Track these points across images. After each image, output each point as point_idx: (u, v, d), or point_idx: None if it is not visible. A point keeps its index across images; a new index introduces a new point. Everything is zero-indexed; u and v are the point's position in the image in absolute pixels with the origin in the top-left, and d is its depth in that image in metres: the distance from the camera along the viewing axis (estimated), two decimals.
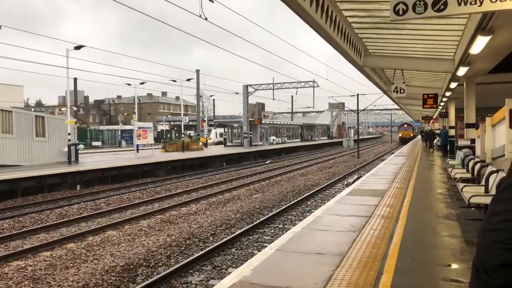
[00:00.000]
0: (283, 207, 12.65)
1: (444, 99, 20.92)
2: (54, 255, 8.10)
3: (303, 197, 14.54)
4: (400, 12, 4.99)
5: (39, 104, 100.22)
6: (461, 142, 14.73)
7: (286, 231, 9.81)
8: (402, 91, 13.88)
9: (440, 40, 11.28)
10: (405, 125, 69.95)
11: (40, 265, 7.50)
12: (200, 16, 11.18)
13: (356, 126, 42.74)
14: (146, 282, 6.51)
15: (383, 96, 28.35)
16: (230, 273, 7.05)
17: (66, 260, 7.78)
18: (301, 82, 38.06)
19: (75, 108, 31.73)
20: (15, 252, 8.27)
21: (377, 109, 77.47)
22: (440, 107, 26.08)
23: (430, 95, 18.21)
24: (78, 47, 21.79)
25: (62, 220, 11.31)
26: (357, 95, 35.71)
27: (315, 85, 37.05)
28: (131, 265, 7.38)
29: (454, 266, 4.73)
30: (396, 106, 48.60)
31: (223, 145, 45.64)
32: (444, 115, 26.19)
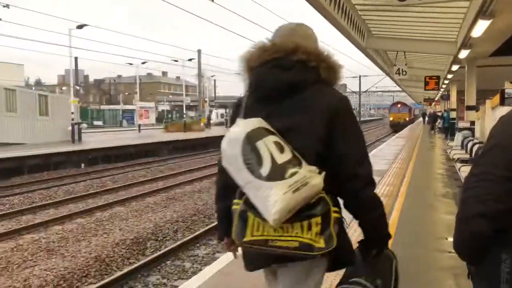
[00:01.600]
0: None
1: (446, 82, 21.05)
2: (65, 229, 8.42)
3: None
4: None
5: (38, 83, 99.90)
6: (461, 124, 14.96)
7: None
8: (404, 73, 14.03)
9: (443, 22, 11.37)
10: (399, 105, 48.91)
11: (52, 237, 7.82)
12: None
13: (358, 108, 42.83)
14: (155, 255, 6.84)
15: (385, 77, 28.42)
16: None
17: (77, 233, 8.10)
18: None
19: (78, 88, 31.87)
20: (27, 226, 8.58)
21: (379, 91, 76.91)
22: (442, 89, 26.20)
23: (432, 77, 18.33)
24: (80, 26, 21.79)
25: (69, 197, 11.61)
26: (359, 76, 35.75)
27: None
28: (140, 239, 7.70)
29: (450, 239, 5.00)
30: (398, 88, 48.43)
31: (224, 126, 45.81)
32: (446, 97, 26.32)
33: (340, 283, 1.63)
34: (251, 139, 1.47)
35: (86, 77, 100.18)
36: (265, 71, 1.58)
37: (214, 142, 28.09)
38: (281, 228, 1.42)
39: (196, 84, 74.96)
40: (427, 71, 19.87)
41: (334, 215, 1.47)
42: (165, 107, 71.11)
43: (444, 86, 23.67)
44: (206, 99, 55.53)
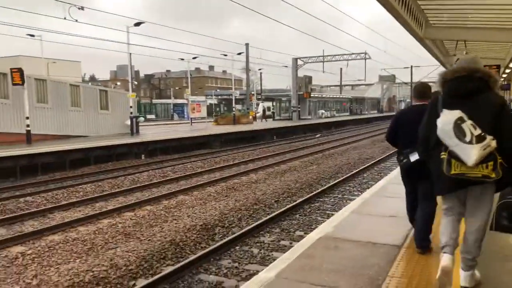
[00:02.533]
0: (340, 179, 13.02)
1: (508, 71, 20.13)
2: (137, 215, 9.02)
3: (358, 169, 14.81)
4: None
5: (92, 78, 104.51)
6: None
7: (347, 200, 10.26)
8: None
9: (507, 8, 10.95)
10: None
11: (127, 223, 8.42)
12: None
13: (409, 99, 41.67)
14: (225, 240, 7.22)
15: (439, 67, 27.46)
16: (299, 235, 7.65)
17: (149, 219, 8.66)
18: (353, 54, 37.45)
19: (136, 83, 33.19)
20: (102, 212, 9.27)
21: (432, 82, 73.89)
22: (502, 79, 25.01)
23: (492, 66, 17.57)
24: (137, 24, 22.71)
25: (135, 186, 12.32)
26: (411, 67, 34.77)
27: (367, 57, 36.34)
28: (208, 225, 8.13)
29: None
30: None
31: (272, 119, 46.09)
32: (506, 87, 25.09)
33: (500, 200, 3.20)
34: (457, 122, 2.87)
35: (137, 72, 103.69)
36: (458, 82, 3.04)
37: (265, 135, 28.52)
38: (471, 167, 2.82)
39: (242, 77, 75.32)
40: (486, 60, 19.09)
41: (499, 160, 2.85)
42: (212, 100, 72.30)
43: (504, 75, 22.61)
44: (253, 92, 55.96)
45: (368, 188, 11.04)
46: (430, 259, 3.97)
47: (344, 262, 3.95)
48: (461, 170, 2.84)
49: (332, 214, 8.30)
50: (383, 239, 4.53)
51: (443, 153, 2.92)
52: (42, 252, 6.81)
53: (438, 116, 2.99)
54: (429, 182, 3.45)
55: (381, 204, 6.25)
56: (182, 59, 39.21)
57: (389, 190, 7.35)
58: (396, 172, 9.34)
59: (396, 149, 4.39)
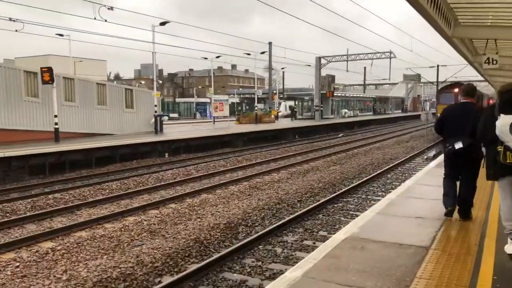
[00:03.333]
0: (364, 179, 12.88)
1: None
2: (162, 213, 9.15)
3: (382, 170, 14.62)
4: None
5: (117, 77, 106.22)
6: None
7: (370, 201, 10.16)
8: (494, 62, 13.22)
9: None
10: (456, 90, 27.39)
11: (152, 220, 8.54)
12: None
13: (434, 99, 40.80)
14: (248, 239, 7.24)
15: (466, 67, 26.77)
16: (322, 235, 7.62)
17: (173, 217, 8.77)
18: (377, 52, 36.91)
19: (159, 81, 33.57)
20: (128, 209, 9.44)
21: (458, 81, 72.41)
22: None
23: None
24: (163, 23, 22.99)
25: (159, 184, 12.49)
26: (437, 66, 34.05)
27: (392, 56, 35.75)
28: (231, 224, 8.18)
29: None
30: (480, 78, 45.40)
31: (294, 118, 45.85)
32: None
33: None
34: None
35: (161, 71, 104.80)
36: (511, 94, 3.83)
37: (288, 134, 28.48)
38: None
39: (264, 76, 75.31)
40: None
41: None
42: (234, 99, 72.49)
43: None
44: (275, 91, 55.77)
45: (392, 189, 10.92)
46: (459, 261, 3.90)
47: (371, 263, 3.92)
48: None
49: (356, 215, 8.25)
50: (410, 240, 4.48)
51: (499, 146, 3.76)
52: (71, 248, 6.99)
53: (495, 118, 3.79)
54: (472, 168, 4.82)
55: (407, 205, 6.17)
56: (206, 58, 39.44)
57: (416, 191, 7.24)
58: (422, 173, 9.20)
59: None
